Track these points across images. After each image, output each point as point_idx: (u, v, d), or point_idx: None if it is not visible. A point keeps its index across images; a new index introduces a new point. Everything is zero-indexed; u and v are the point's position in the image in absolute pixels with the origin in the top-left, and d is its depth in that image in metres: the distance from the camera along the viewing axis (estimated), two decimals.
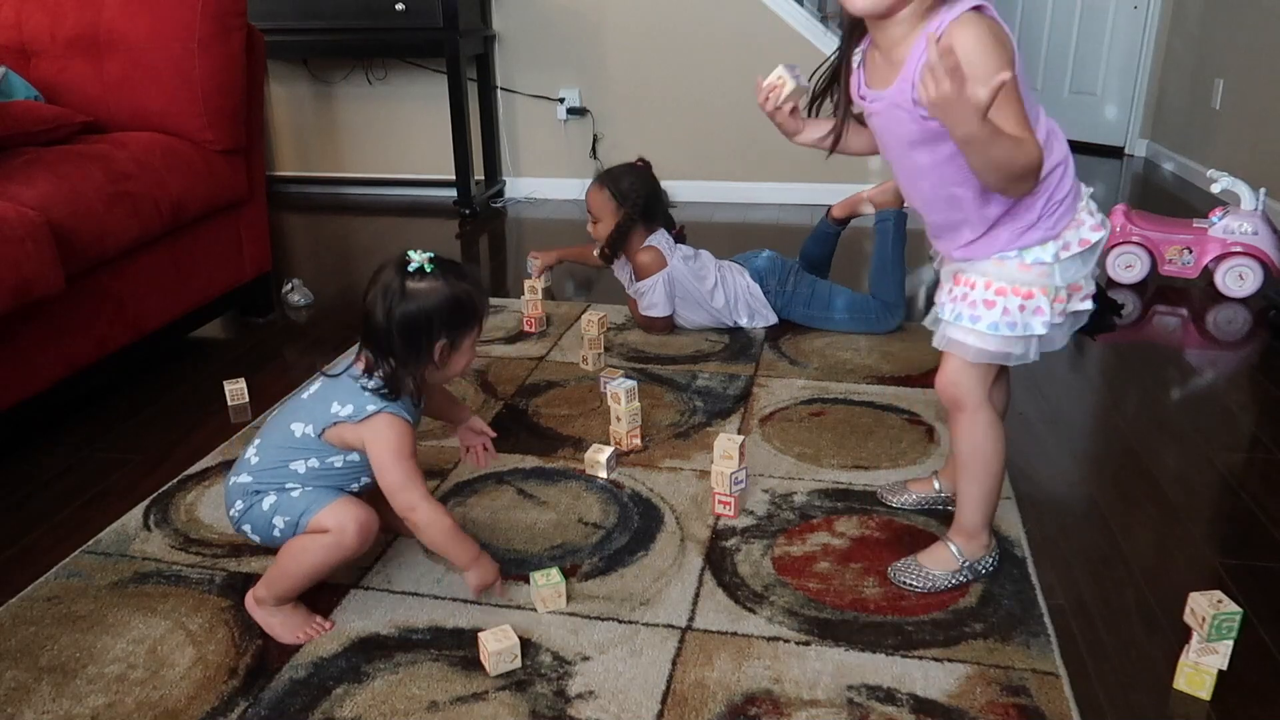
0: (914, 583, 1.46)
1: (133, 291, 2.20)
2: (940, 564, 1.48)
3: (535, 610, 1.42)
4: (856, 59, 1.38)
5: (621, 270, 2.60)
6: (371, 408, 1.33)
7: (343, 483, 1.39)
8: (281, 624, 1.38)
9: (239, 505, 1.39)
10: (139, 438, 2.02)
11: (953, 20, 1.19)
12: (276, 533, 1.37)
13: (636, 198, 2.46)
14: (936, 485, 1.69)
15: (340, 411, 1.34)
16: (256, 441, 1.42)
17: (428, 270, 1.32)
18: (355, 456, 1.37)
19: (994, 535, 1.52)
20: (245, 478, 1.39)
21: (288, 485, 1.37)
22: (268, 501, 1.37)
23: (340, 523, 1.33)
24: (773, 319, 2.54)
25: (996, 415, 1.44)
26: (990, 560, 1.50)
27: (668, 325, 2.55)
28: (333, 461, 1.37)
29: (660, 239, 2.52)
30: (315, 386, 1.41)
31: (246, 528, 1.40)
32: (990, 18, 1.20)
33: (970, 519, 1.47)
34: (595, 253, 2.60)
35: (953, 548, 1.48)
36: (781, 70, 1.38)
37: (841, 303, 2.53)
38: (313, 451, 1.36)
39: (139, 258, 2.21)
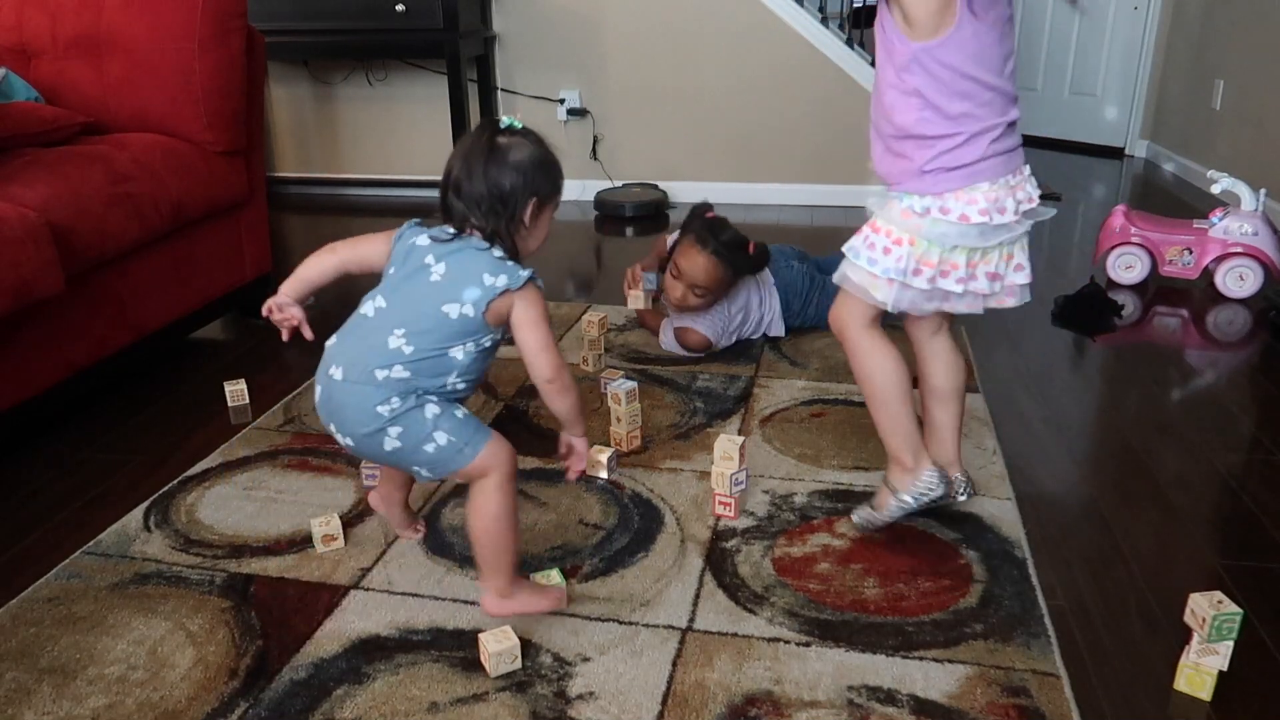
0: (864, 523, 1.59)
1: (133, 292, 2.20)
2: (880, 502, 1.59)
3: (540, 613, 1.42)
4: None
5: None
6: (524, 274, 1.31)
7: (476, 377, 1.34)
8: (533, 600, 1.37)
9: (393, 403, 1.26)
10: (139, 439, 2.02)
11: None
12: (429, 447, 1.27)
13: (743, 266, 2.31)
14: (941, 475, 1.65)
15: (497, 283, 1.28)
16: (398, 332, 1.27)
17: (517, 128, 1.34)
18: (487, 341, 1.32)
19: (959, 468, 1.65)
20: (401, 370, 1.26)
21: (449, 385, 1.30)
22: (431, 410, 1.27)
23: (500, 458, 1.31)
24: (781, 331, 2.49)
25: (879, 340, 1.53)
26: (926, 489, 1.56)
27: (704, 344, 2.38)
28: (484, 343, 1.32)
29: (724, 310, 2.40)
30: (436, 267, 1.30)
31: (394, 430, 1.26)
32: None
33: (887, 446, 1.57)
34: (664, 299, 2.39)
35: (885, 482, 1.59)
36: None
37: None
38: (471, 334, 1.29)
39: (139, 259, 2.21)
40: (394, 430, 1.27)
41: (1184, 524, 1.67)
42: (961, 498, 1.66)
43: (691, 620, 1.40)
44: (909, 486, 1.56)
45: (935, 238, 1.42)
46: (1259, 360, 2.45)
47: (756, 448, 1.92)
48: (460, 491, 1.77)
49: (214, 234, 2.50)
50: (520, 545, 1.36)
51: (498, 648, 1.28)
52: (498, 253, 1.31)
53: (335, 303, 2.91)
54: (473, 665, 1.31)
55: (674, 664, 1.31)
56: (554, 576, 1.44)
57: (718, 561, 1.54)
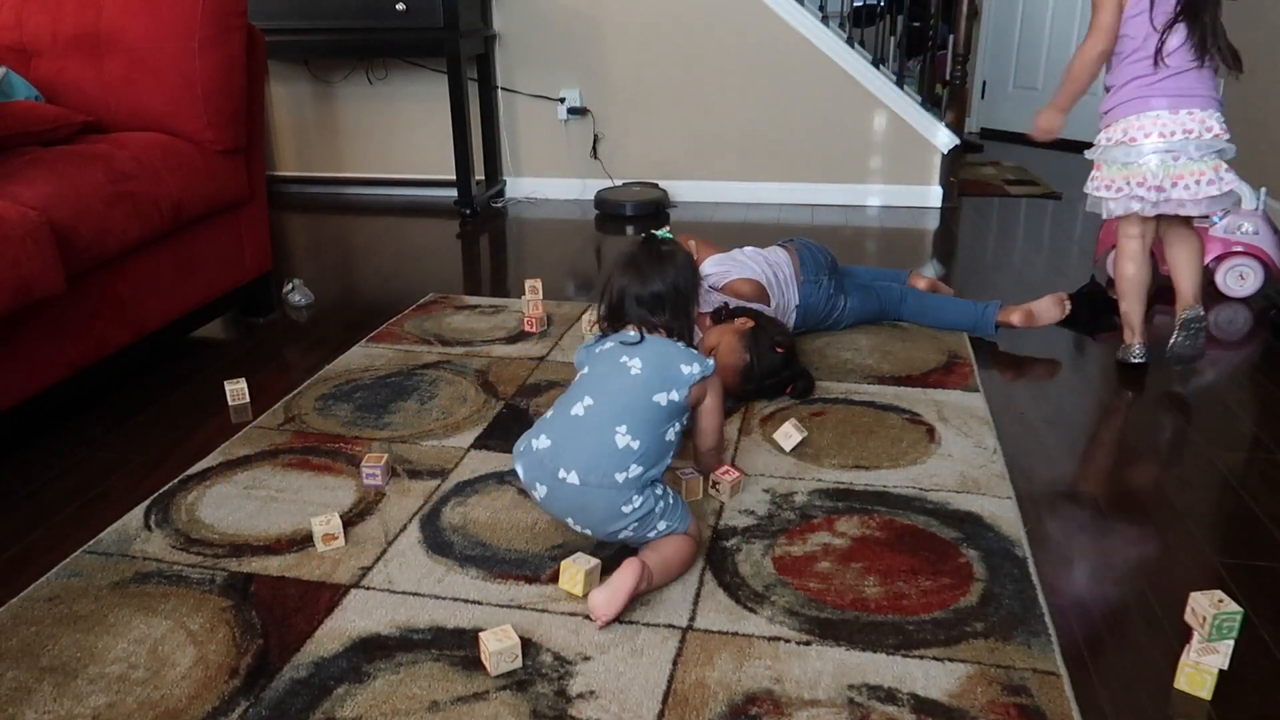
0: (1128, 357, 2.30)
1: (133, 291, 2.20)
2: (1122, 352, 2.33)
3: (540, 610, 1.42)
4: None
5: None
6: (710, 362, 1.55)
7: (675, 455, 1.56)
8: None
9: (635, 501, 1.44)
10: (140, 438, 2.02)
11: None
12: (651, 533, 1.47)
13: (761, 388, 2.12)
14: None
15: (694, 371, 1.51)
16: (620, 429, 1.43)
17: (671, 238, 1.63)
18: (683, 421, 1.55)
19: (1195, 300, 2.25)
20: (636, 468, 1.44)
21: (662, 467, 1.50)
22: (659, 503, 1.46)
23: (695, 529, 1.52)
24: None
25: (1130, 247, 2.25)
26: (1131, 354, 2.31)
27: (759, 292, 2.34)
28: (683, 423, 1.55)
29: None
30: (632, 363, 1.50)
31: (632, 525, 1.45)
32: None
33: (1125, 320, 2.34)
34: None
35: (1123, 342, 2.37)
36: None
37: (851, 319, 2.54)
38: (677, 417, 1.51)
39: (140, 258, 2.21)
40: (633, 525, 1.45)
41: (1184, 523, 1.67)
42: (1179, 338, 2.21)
43: (692, 619, 1.40)
44: (1128, 348, 2.29)
45: (1117, 160, 2.15)
46: (1259, 359, 2.45)
47: (756, 447, 1.92)
48: (460, 491, 1.77)
49: (214, 233, 2.50)
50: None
51: (498, 646, 1.28)
52: (682, 345, 1.56)
53: (336, 302, 2.92)
54: (473, 664, 1.31)
55: (674, 663, 1.31)
56: (574, 574, 1.44)
57: (718, 560, 1.55)
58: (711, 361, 1.55)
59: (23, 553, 1.61)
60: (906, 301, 2.58)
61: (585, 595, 1.41)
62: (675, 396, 1.49)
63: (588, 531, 1.50)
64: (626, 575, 1.37)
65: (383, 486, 1.78)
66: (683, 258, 1.59)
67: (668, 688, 1.26)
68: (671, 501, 1.49)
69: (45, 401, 1.98)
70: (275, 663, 1.32)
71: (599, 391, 1.49)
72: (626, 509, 1.44)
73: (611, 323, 1.60)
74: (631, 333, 1.55)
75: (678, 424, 1.52)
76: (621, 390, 1.48)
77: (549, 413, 1.54)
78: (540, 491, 1.49)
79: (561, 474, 1.45)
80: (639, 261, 1.58)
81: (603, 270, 1.56)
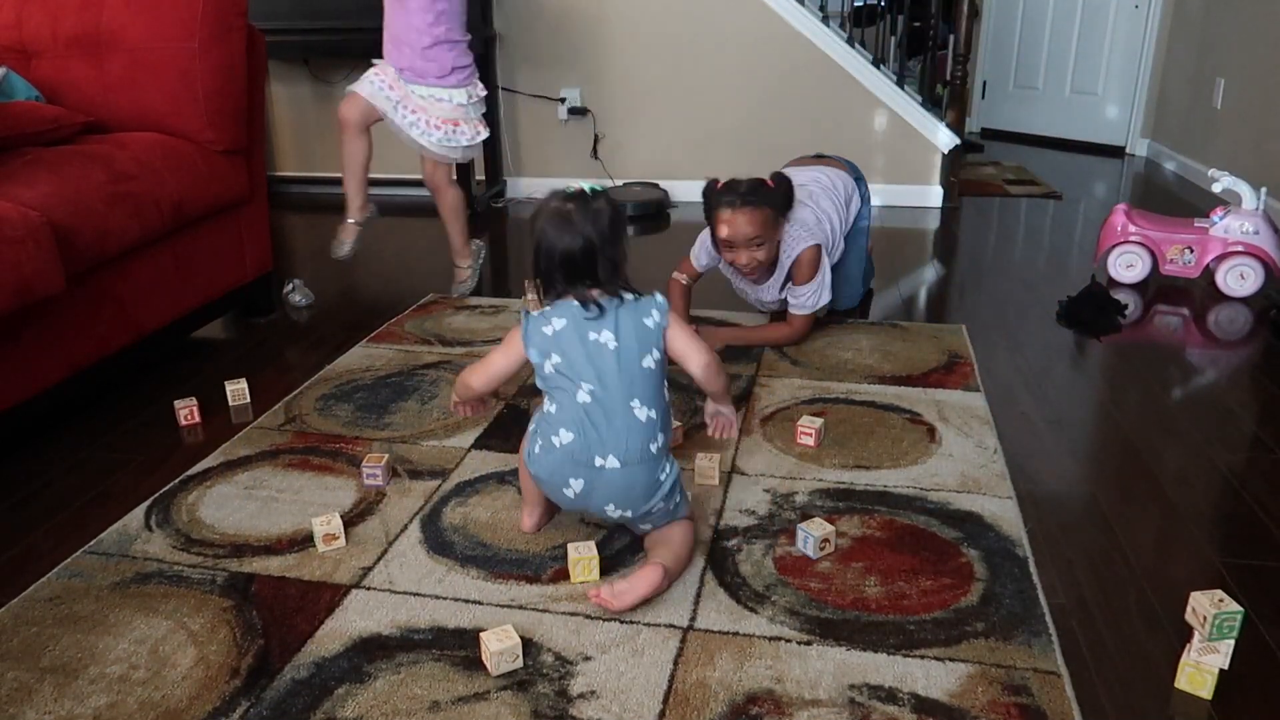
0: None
1: (134, 292, 2.20)
2: None
3: (541, 610, 1.42)
4: None
5: (749, 284, 2.49)
6: (660, 300, 1.52)
7: None
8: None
9: (666, 469, 1.48)
10: (140, 438, 2.02)
11: None
12: (675, 506, 1.51)
13: (775, 201, 2.27)
14: None
15: (658, 319, 1.49)
16: (635, 404, 1.44)
17: (600, 191, 1.52)
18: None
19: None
20: (661, 436, 1.47)
21: (669, 433, 1.52)
22: (676, 469, 1.51)
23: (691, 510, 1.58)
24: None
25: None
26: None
27: (816, 256, 2.37)
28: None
29: (806, 216, 2.37)
30: (603, 337, 1.45)
31: (664, 497, 1.47)
32: None
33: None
34: (752, 279, 2.43)
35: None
36: None
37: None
38: (663, 371, 1.51)
39: (140, 258, 2.22)
40: (664, 495, 1.48)
41: (1185, 522, 1.67)
42: None
43: (693, 619, 1.40)
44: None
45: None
46: (1260, 359, 2.45)
47: (757, 447, 1.92)
48: (460, 491, 1.77)
49: (215, 233, 2.50)
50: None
51: (499, 647, 1.28)
52: (631, 297, 1.50)
53: (336, 302, 2.92)
54: (474, 664, 1.31)
55: (675, 663, 1.31)
56: (588, 562, 1.50)
57: (719, 560, 1.55)
58: (661, 299, 1.51)
59: (23, 553, 1.61)
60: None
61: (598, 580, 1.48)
62: (657, 354, 1.49)
63: (624, 514, 1.48)
64: (650, 577, 1.40)
65: (383, 487, 1.78)
66: (609, 209, 1.49)
67: (668, 688, 1.26)
68: (679, 472, 1.53)
69: (45, 401, 1.98)
70: (276, 663, 1.32)
71: (591, 374, 1.44)
72: (663, 477, 1.47)
73: (548, 288, 1.51)
74: (573, 303, 1.46)
75: (667, 379, 1.53)
76: (613, 367, 1.44)
77: (547, 409, 1.49)
78: (576, 486, 1.46)
79: (599, 462, 1.43)
80: (572, 220, 1.46)
81: (533, 227, 1.50)
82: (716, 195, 2.26)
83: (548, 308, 1.49)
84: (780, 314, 2.52)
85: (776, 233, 2.29)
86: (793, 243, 2.34)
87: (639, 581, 1.40)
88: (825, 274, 2.37)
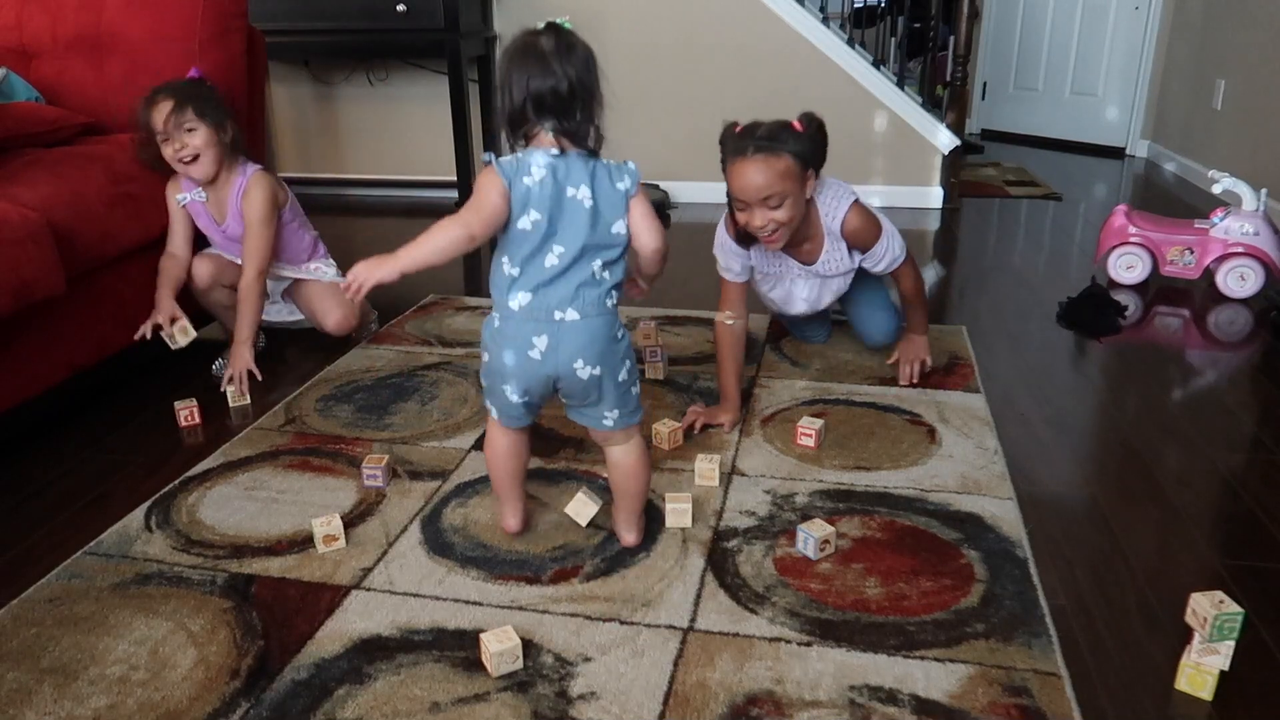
0: None
1: (134, 293, 2.20)
2: None
3: (541, 612, 1.42)
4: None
5: (773, 263, 2.13)
6: (632, 167, 1.44)
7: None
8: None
9: (621, 333, 1.44)
10: (140, 439, 2.02)
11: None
12: (622, 375, 1.46)
13: (801, 147, 1.84)
14: None
15: (630, 186, 1.41)
16: (595, 263, 1.37)
17: (569, 27, 1.38)
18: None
19: None
20: (615, 295, 1.42)
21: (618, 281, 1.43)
22: (626, 336, 1.46)
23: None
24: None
25: None
26: None
27: (876, 229, 2.08)
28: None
29: (835, 185, 2.05)
30: (581, 194, 1.36)
31: (623, 381, 1.46)
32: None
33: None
34: (779, 246, 1.98)
35: None
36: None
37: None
38: (627, 242, 1.42)
39: (140, 259, 2.22)
40: (624, 375, 1.45)
41: (1185, 524, 1.67)
42: None
43: (693, 620, 1.40)
44: None
45: None
46: (1260, 360, 2.45)
47: (758, 447, 1.92)
48: (461, 492, 1.77)
49: None
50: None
51: (499, 648, 1.28)
52: (604, 161, 1.42)
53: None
54: (474, 665, 1.31)
55: (675, 664, 1.31)
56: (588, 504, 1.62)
57: (719, 561, 1.54)
58: (635, 167, 1.43)
59: (23, 554, 1.61)
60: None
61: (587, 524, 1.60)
62: (624, 224, 1.40)
63: (594, 372, 1.40)
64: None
65: (384, 488, 1.78)
66: (585, 49, 1.39)
67: (669, 689, 1.26)
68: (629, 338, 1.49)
69: (45, 402, 1.98)
70: (276, 664, 1.32)
71: (566, 237, 1.36)
72: (620, 334, 1.44)
73: (513, 129, 1.38)
74: (554, 150, 1.36)
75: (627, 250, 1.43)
76: (585, 228, 1.36)
77: (506, 270, 1.39)
78: (540, 345, 1.38)
79: (559, 315, 1.37)
80: (545, 55, 1.33)
81: (501, 63, 1.39)
82: (730, 142, 1.86)
83: (520, 154, 1.36)
84: (818, 323, 2.39)
85: (802, 188, 1.85)
86: (834, 204, 2.02)
87: (629, 516, 1.55)
88: (885, 221, 2.08)
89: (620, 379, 1.46)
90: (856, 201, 2.03)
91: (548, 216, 1.35)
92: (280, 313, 2.54)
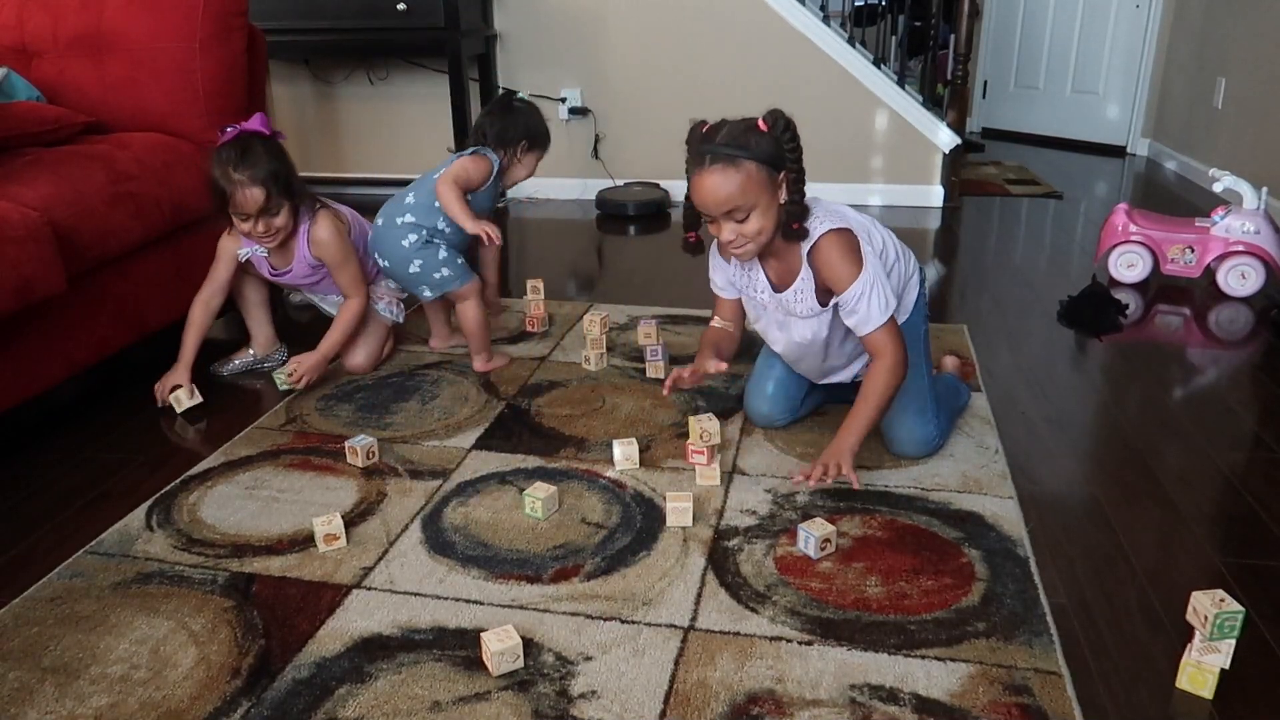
0: None
1: (135, 292, 2.20)
2: None
3: (541, 611, 1.42)
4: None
5: (741, 276, 1.84)
6: (487, 152, 2.29)
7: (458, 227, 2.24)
8: (500, 359, 2.36)
9: (410, 238, 2.22)
10: (141, 438, 2.02)
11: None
12: (437, 275, 2.23)
13: (765, 152, 1.58)
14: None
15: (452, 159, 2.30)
16: (409, 199, 2.27)
17: (526, 98, 2.35)
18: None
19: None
20: (410, 216, 2.24)
21: (440, 227, 2.24)
22: (443, 253, 2.23)
23: (476, 288, 2.30)
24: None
25: None
26: None
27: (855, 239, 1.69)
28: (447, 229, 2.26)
29: (829, 205, 1.73)
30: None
31: (417, 261, 2.22)
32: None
33: None
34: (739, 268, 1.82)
35: None
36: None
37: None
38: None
39: (141, 258, 2.22)
40: (417, 260, 2.22)
41: (1186, 522, 1.67)
42: None
43: (694, 619, 1.40)
44: None
45: None
46: (1261, 359, 2.45)
47: (758, 446, 1.92)
48: (461, 492, 1.77)
49: (216, 233, 2.49)
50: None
51: (500, 647, 1.28)
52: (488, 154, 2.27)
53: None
54: (475, 664, 1.31)
55: (676, 663, 1.31)
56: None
57: (720, 560, 1.55)
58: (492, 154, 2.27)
59: (24, 553, 1.61)
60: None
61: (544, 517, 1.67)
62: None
63: (385, 264, 2.29)
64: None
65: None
66: (522, 113, 2.32)
67: (669, 688, 1.26)
68: (457, 261, 2.26)
69: (46, 401, 1.98)
70: (277, 663, 1.32)
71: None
72: (405, 243, 2.21)
73: (499, 144, 2.30)
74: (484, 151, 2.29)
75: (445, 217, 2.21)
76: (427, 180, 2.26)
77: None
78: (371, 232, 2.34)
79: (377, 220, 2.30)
80: (492, 108, 2.32)
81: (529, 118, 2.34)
82: (691, 147, 1.67)
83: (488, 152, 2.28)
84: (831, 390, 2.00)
85: (773, 195, 1.61)
86: (813, 227, 1.66)
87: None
88: (872, 264, 1.65)
89: (412, 274, 2.25)
90: (839, 230, 1.66)
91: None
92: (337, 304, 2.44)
